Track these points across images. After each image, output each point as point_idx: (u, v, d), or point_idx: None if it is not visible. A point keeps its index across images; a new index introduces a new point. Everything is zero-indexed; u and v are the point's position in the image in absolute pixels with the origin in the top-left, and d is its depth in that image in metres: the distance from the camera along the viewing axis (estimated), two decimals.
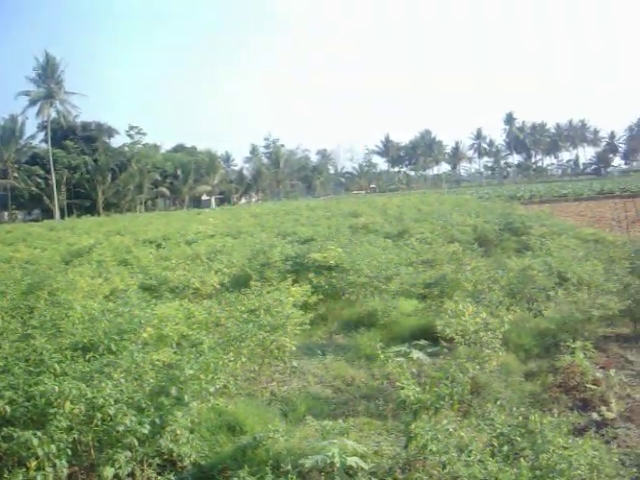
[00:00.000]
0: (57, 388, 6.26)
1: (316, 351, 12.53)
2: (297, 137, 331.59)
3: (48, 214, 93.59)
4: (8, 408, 6.34)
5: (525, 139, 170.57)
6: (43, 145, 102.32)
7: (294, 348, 10.64)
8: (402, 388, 7.73)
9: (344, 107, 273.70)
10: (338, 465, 6.51)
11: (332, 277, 15.51)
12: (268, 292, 12.18)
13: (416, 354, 10.04)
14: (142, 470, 7.26)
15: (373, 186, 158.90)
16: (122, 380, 7.18)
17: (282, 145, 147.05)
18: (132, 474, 7.12)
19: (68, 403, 6.24)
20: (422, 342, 11.23)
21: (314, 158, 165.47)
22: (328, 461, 6.50)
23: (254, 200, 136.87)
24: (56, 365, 7.37)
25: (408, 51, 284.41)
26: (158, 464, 7.39)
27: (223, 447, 8.06)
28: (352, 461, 6.64)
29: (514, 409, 7.29)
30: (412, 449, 7.11)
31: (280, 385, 10.77)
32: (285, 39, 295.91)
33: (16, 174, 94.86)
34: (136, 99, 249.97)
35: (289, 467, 6.73)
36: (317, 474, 7.01)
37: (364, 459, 6.91)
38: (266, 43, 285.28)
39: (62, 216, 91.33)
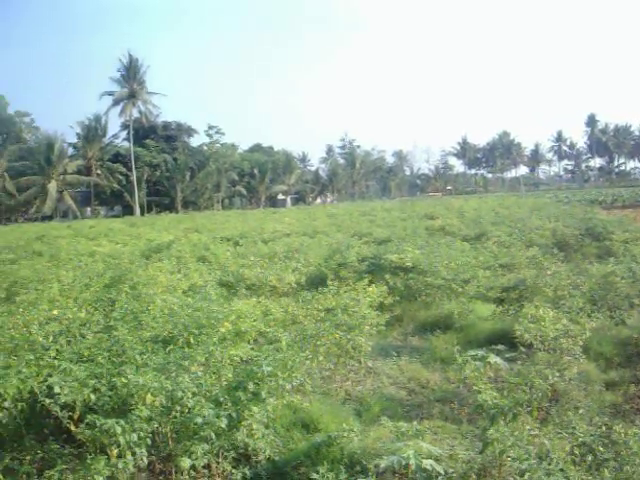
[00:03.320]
0: (141, 380, 6.40)
1: (391, 352, 12.46)
2: (373, 138, 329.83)
3: (129, 210, 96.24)
4: (93, 396, 6.52)
5: (608, 142, 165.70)
6: (125, 144, 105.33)
7: (369, 348, 10.61)
8: (479, 392, 7.60)
9: (422, 108, 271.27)
10: (413, 467, 6.44)
11: (408, 279, 15.40)
12: (344, 292, 12.20)
13: (493, 358, 9.83)
14: (217, 463, 7.38)
15: (449, 188, 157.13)
16: (200, 373, 7.32)
17: (358, 146, 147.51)
18: (208, 466, 7.25)
19: (149, 395, 6.38)
20: (499, 347, 11.02)
21: (390, 159, 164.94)
22: (403, 462, 6.44)
23: (329, 200, 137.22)
24: (137, 356, 7.56)
25: (488, 50, 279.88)
26: (233, 457, 7.49)
27: (297, 444, 8.10)
28: (427, 464, 6.56)
29: (596, 418, 7.10)
30: (488, 454, 7.00)
31: (355, 385, 10.75)
32: (362, 37, 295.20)
33: (99, 171, 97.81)
34: (216, 99, 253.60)
35: (368, 466, 6.72)
36: (391, 475, 6.98)
37: (439, 462, 6.82)
38: (343, 42, 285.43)
39: (142, 212, 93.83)
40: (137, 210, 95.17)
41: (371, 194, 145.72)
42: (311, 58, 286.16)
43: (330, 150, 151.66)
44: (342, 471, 6.69)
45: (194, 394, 6.75)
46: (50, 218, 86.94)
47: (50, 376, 6.97)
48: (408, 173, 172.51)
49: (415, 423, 7.58)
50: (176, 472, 7.11)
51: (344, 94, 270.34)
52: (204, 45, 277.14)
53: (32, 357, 7.64)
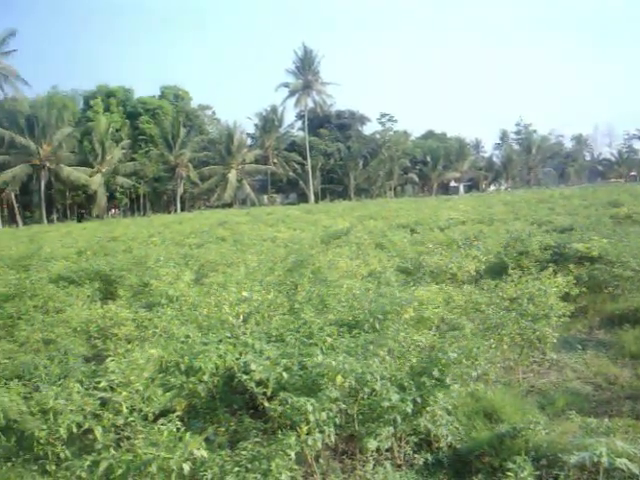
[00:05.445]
0: (333, 362, 6.59)
1: (575, 345, 11.99)
2: (550, 122, 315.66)
3: (303, 198, 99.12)
4: (285, 375, 6.79)
5: None
6: (300, 133, 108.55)
7: (554, 340, 10.28)
8: None
9: (603, 88, 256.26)
10: (605, 465, 6.17)
11: (594, 269, 14.71)
12: (526, 281, 11.89)
13: None
14: (399, 447, 7.47)
15: (633, 174, 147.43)
16: (389, 358, 7.42)
17: (534, 130, 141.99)
18: (390, 449, 7.35)
19: (340, 376, 6.55)
20: None
21: (568, 144, 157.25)
22: (595, 459, 6.18)
23: (503, 187, 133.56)
24: (327, 338, 7.79)
25: None
26: (414, 442, 7.55)
27: (479, 433, 8.00)
28: (621, 463, 6.26)
29: None
30: None
31: (537, 377, 10.46)
32: (536, 19, 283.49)
33: (276, 160, 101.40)
34: (389, 87, 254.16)
35: (557, 460, 6.54)
36: (578, 472, 6.75)
37: (632, 462, 6.49)
38: (521, 24, 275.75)
39: (316, 200, 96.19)
40: (311, 197, 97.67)
41: (548, 181, 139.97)
42: (487, 42, 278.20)
43: (504, 135, 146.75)
44: (527, 462, 6.53)
45: (381, 378, 6.85)
46: (230, 205, 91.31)
47: (240, 354, 7.35)
48: (588, 158, 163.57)
49: (606, 420, 7.29)
50: (360, 452, 7.26)
51: (520, 77, 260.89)
52: (379, 33, 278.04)
53: (228, 335, 8.09)
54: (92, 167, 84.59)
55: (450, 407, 7.64)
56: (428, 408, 7.23)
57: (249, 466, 5.92)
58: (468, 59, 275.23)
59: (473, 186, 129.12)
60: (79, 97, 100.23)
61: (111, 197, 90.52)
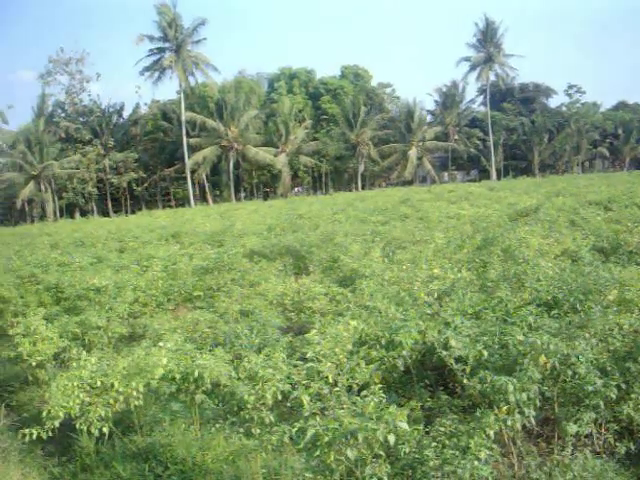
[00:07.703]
0: (538, 341, 6.45)
1: None
2: None
3: (484, 174, 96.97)
4: (485, 352, 6.74)
5: None
6: (482, 108, 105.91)
7: None
8: None
9: None
10: None
11: None
12: None
13: None
14: (599, 433, 7.20)
15: None
16: (594, 340, 7.16)
17: None
18: (588, 436, 7.10)
19: (542, 356, 6.39)
20: None
21: None
22: None
23: None
24: (530, 318, 7.61)
25: None
26: (615, 430, 7.24)
27: None
28: None
29: None
30: None
31: None
32: None
33: (456, 137, 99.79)
34: (576, 56, 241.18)
35: None
36: None
37: None
38: None
39: (498, 177, 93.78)
40: (493, 174, 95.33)
41: None
42: None
43: None
44: None
45: (586, 361, 6.63)
46: (410, 183, 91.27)
47: (439, 331, 7.36)
48: None
49: None
50: (557, 437, 7.07)
51: None
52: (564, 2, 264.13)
53: (428, 311, 8.14)
54: (276, 147, 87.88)
55: None
56: (633, 395, 6.93)
57: (447, 442, 5.96)
58: None
59: None
60: (264, 80, 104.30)
61: (295, 176, 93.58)
